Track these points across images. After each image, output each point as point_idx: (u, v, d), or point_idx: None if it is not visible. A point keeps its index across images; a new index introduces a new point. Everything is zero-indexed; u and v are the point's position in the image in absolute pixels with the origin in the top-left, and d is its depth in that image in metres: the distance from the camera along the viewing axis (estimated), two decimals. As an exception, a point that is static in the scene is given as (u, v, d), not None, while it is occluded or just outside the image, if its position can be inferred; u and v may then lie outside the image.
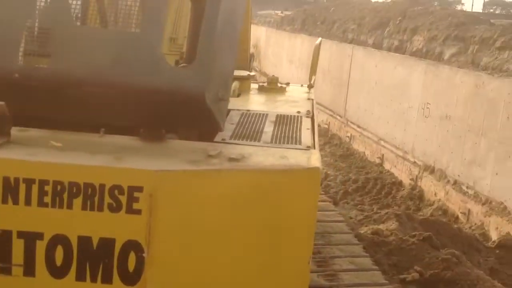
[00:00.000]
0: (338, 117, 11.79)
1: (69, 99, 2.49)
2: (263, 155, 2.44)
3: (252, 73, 4.41)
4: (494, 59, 8.19)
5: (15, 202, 2.16)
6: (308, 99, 4.14)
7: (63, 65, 2.44)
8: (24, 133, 2.48)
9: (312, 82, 4.70)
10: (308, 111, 3.51)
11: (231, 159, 2.33)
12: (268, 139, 2.74)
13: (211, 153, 2.38)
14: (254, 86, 4.33)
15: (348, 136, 11.09)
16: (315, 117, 3.41)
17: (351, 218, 6.87)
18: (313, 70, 4.84)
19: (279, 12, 26.23)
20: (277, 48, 17.86)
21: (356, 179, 8.81)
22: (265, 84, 4.36)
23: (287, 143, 2.70)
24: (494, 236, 6.44)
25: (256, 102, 3.87)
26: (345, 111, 11.44)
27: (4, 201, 2.16)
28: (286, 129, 2.96)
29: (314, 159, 2.44)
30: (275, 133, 2.86)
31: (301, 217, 2.29)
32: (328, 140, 11.57)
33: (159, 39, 2.48)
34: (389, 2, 15.55)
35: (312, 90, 4.54)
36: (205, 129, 2.67)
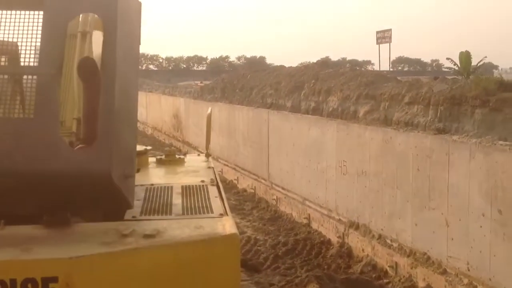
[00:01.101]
0: (263, 181, 11.88)
1: None
2: (178, 228, 2.43)
3: (149, 147, 4.45)
4: (405, 114, 8.60)
5: None
6: (209, 167, 4.20)
7: None
8: None
9: (208, 150, 4.79)
10: (212, 179, 3.57)
11: (146, 236, 2.30)
12: (179, 211, 2.75)
13: (125, 232, 2.35)
14: (151, 159, 4.36)
15: (274, 199, 11.15)
16: (220, 184, 3.46)
17: (273, 284, 6.84)
18: (208, 139, 4.96)
19: (199, 82, 26.69)
20: (197, 118, 18.01)
21: (286, 242, 8.81)
22: (163, 157, 4.39)
23: (199, 213, 2.72)
24: (422, 287, 6.56)
25: (157, 175, 3.89)
26: (268, 174, 11.55)
27: None
28: (194, 199, 2.98)
29: (230, 225, 2.47)
30: (185, 204, 2.87)
31: (225, 284, 2.29)
32: (255, 204, 11.59)
33: (56, 123, 2.43)
34: (302, 67, 16.20)
35: (210, 158, 4.62)
36: (114, 208, 2.61)
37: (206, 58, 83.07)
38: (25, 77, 2.95)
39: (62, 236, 2.35)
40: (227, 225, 2.48)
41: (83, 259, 2.12)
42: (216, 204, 2.88)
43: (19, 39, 2.85)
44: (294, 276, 7.05)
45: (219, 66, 74.63)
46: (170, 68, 76.35)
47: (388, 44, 32.07)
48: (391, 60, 32.24)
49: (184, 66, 79.42)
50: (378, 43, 32.55)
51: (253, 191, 12.35)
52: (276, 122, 11.33)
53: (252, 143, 12.57)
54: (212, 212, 2.72)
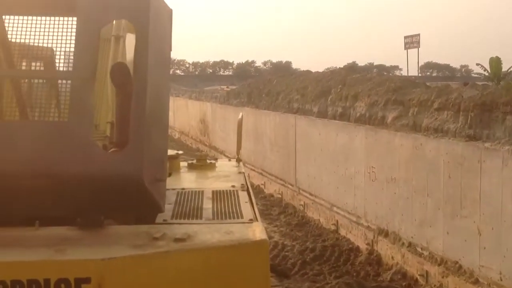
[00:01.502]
0: (290, 186, 11.84)
1: (0, 193, 2.40)
2: (208, 232, 2.43)
3: (180, 152, 4.47)
4: (434, 120, 8.48)
5: None
6: (239, 172, 4.20)
7: None
8: None
9: (239, 156, 4.79)
10: (243, 184, 3.58)
11: (177, 240, 2.32)
12: (209, 216, 2.75)
13: (156, 235, 2.36)
14: (183, 164, 4.37)
15: (301, 204, 11.10)
16: (250, 190, 3.45)
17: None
18: (239, 144, 4.96)
19: (225, 87, 26.81)
20: (223, 122, 18.07)
21: (314, 248, 8.75)
22: (194, 162, 4.39)
23: (229, 218, 2.72)
24: (453, 296, 6.43)
25: (188, 180, 3.91)
26: (295, 179, 11.50)
27: None
28: (224, 204, 2.99)
29: (259, 231, 2.47)
30: (215, 209, 2.88)
31: None
32: (282, 209, 11.55)
33: (90, 126, 2.46)
34: (328, 72, 16.13)
35: (241, 163, 4.61)
36: (146, 212, 2.62)
37: (232, 63, 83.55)
38: (59, 81, 3.00)
39: (94, 237, 2.38)
40: (257, 231, 2.48)
41: (115, 261, 2.14)
42: (246, 209, 2.88)
43: (54, 45, 2.90)
44: (324, 282, 7.00)
45: (245, 71, 74.92)
46: (197, 73, 76.97)
47: (417, 49, 31.73)
48: (419, 65, 31.81)
49: (210, 71, 79.97)
50: (406, 48, 32.24)
51: (280, 196, 12.31)
52: (303, 127, 11.28)
53: (279, 148, 12.54)
54: (242, 217, 2.72)
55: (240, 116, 5.23)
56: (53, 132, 2.44)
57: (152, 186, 2.45)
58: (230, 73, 78.51)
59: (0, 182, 2.36)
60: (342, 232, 9.33)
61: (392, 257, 7.79)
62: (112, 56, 4.15)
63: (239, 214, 2.77)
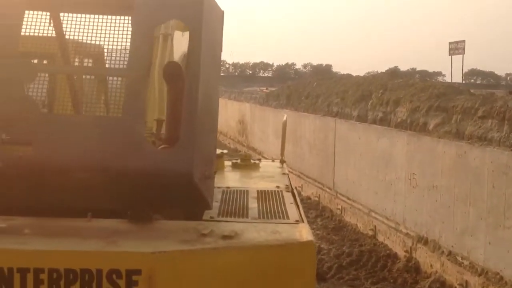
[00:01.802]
0: (328, 190, 11.79)
1: (54, 185, 2.48)
2: (255, 231, 2.45)
3: (225, 151, 4.50)
4: (478, 128, 8.32)
5: None
6: (283, 173, 4.20)
7: (47, 152, 2.44)
8: (9, 222, 2.44)
9: (283, 157, 4.79)
10: (287, 185, 3.58)
11: (224, 237, 2.33)
12: (255, 215, 2.77)
13: (204, 232, 2.39)
14: (227, 163, 4.41)
15: (339, 208, 11.04)
16: (295, 191, 3.45)
17: (340, 295, 6.75)
18: (283, 146, 4.96)
19: (264, 88, 26.84)
20: (262, 123, 18.10)
21: (350, 252, 8.70)
22: (239, 161, 4.41)
23: (275, 218, 2.73)
24: (493, 307, 6.30)
25: (233, 179, 3.95)
26: (333, 183, 11.45)
27: None
28: (270, 204, 2.99)
29: (306, 232, 2.47)
30: (261, 208, 2.88)
31: None
32: (319, 212, 11.51)
33: (142, 123, 2.51)
34: (369, 76, 15.99)
35: (284, 165, 4.61)
36: (195, 208, 2.66)
37: (272, 65, 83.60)
38: (109, 78, 3.08)
39: (144, 231, 2.42)
40: (304, 232, 2.48)
41: (166, 255, 2.18)
42: (292, 210, 2.89)
43: (103, 42, 2.97)
44: (363, 287, 6.94)
45: (284, 73, 74.91)
46: (236, 74, 77.30)
47: (461, 55, 31.10)
48: (463, 72, 31.18)
49: (250, 72, 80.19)
50: (450, 54, 31.64)
51: (317, 199, 12.26)
52: (343, 131, 11.21)
53: (318, 151, 12.50)
54: (288, 218, 2.73)
55: (284, 118, 5.25)
56: (108, 127, 2.50)
57: (201, 183, 2.49)
58: (270, 75, 78.61)
59: (56, 175, 2.43)
60: (380, 238, 9.24)
61: (431, 265, 7.67)
62: (160, 54, 4.22)
63: (285, 215, 2.78)
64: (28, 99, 3.03)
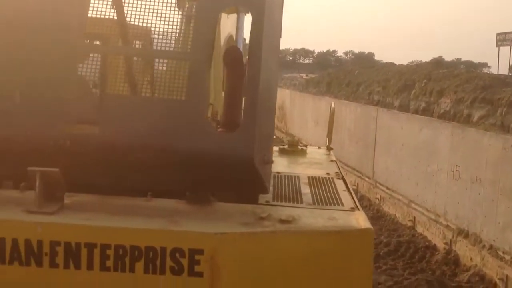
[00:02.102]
0: (367, 179, 11.74)
1: (118, 165, 2.55)
2: (312, 217, 2.45)
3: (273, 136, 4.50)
4: (524, 122, 8.17)
5: (77, 267, 2.18)
6: (331, 160, 4.17)
7: (113, 132, 2.52)
8: (75, 199, 2.52)
9: (329, 144, 4.76)
10: (337, 172, 3.56)
11: (282, 221, 2.35)
12: (309, 201, 2.75)
13: (262, 215, 2.40)
14: (275, 148, 4.40)
15: (377, 198, 11.00)
16: (345, 178, 3.44)
17: (379, 283, 6.73)
18: (330, 133, 4.93)
19: (304, 75, 26.69)
20: (302, 110, 18.06)
21: (388, 242, 8.67)
22: (286, 147, 4.41)
23: (330, 204, 2.71)
24: (534, 303, 6.23)
25: (282, 164, 3.89)
26: (373, 172, 11.39)
27: (66, 266, 2.18)
28: (323, 190, 2.98)
29: (363, 219, 2.45)
30: (314, 195, 2.88)
31: (356, 279, 2.29)
32: (357, 201, 11.47)
33: (205, 106, 2.56)
34: (413, 65, 15.75)
35: (331, 152, 4.59)
36: (253, 192, 2.70)
37: (313, 52, 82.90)
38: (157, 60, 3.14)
39: (204, 212, 2.45)
40: (361, 219, 2.45)
41: (227, 236, 2.21)
42: (346, 197, 2.86)
43: (152, 25, 3.01)
44: (402, 277, 6.93)
45: (325, 60, 74.17)
46: (276, 59, 76.80)
47: (509, 47, 30.22)
48: (511, 64, 30.33)
49: (290, 58, 79.74)
50: (498, 45, 30.76)
51: (355, 187, 12.22)
52: (385, 120, 11.12)
53: (358, 139, 12.44)
54: (342, 205, 2.70)
55: (332, 105, 5.25)
56: (172, 109, 2.56)
57: (261, 167, 2.53)
58: (310, 62, 77.95)
59: (121, 154, 2.51)
60: (419, 229, 9.19)
61: (471, 259, 7.61)
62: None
63: (340, 202, 2.77)
64: (93, 80, 3.13)
